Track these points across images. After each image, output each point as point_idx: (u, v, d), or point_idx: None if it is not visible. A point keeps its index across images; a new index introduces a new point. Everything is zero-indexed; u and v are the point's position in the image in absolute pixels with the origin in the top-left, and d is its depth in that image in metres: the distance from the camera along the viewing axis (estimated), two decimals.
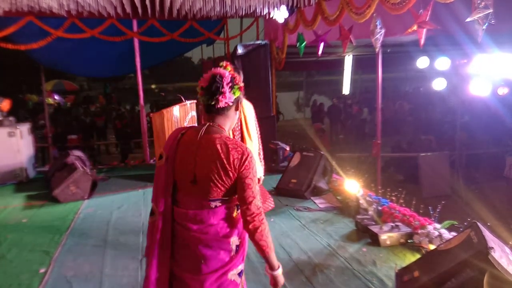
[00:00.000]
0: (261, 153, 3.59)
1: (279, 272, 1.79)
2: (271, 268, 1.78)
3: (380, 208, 4.35)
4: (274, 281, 1.80)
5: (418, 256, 3.42)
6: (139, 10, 6.10)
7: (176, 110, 5.74)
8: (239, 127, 3.53)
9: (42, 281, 3.31)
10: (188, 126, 1.91)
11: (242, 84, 1.81)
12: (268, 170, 6.87)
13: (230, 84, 1.74)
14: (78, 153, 6.55)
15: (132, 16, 6.32)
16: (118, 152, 11.42)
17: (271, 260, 1.77)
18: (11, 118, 6.84)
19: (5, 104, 6.95)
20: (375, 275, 3.24)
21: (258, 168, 3.40)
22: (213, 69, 1.79)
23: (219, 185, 1.71)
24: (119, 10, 5.99)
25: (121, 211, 5.05)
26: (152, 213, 1.85)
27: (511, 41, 6.34)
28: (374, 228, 3.90)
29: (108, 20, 6.24)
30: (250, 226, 1.73)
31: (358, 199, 4.42)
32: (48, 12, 5.78)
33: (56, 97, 17.36)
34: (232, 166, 1.70)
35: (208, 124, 1.77)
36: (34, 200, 5.66)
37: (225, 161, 1.69)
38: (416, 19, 3.90)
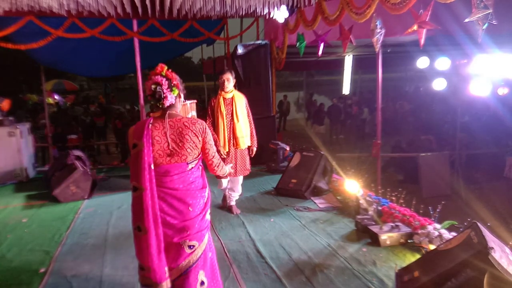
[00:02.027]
0: (253, 129, 4.67)
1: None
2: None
3: (380, 208, 4.35)
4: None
5: (418, 256, 3.42)
6: (139, 10, 6.09)
7: None
8: (231, 112, 4.48)
9: (42, 281, 3.31)
10: (149, 118, 2.41)
11: (177, 82, 2.42)
12: (268, 170, 6.91)
13: (169, 88, 2.37)
14: (78, 153, 6.55)
15: (132, 16, 6.31)
16: (118, 152, 11.42)
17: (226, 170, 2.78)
18: (11, 118, 6.84)
19: (5, 104, 6.95)
20: (375, 275, 3.25)
21: (248, 140, 4.58)
22: (152, 77, 2.37)
23: (194, 149, 2.41)
24: (119, 10, 5.98)
25: (121, 211, 5.05)
26: (135, 189, 2.33)
27: (511, 41, 6.34)
28: (374, 228, 3.90)
29: (108, 20, 6.23)
30: (216, 173, 2.70)
31: (358, 199, 4.42)
32: (48, 12, 5.76)
33: (56, 97, 17.33)
34: (200, 133, 2.42)
35: (167, 112, 2.39)
36: (34, 200, 5.66)
37: (194, 132, 2.39)
38: (416, 19, 3.90)
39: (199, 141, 2.42)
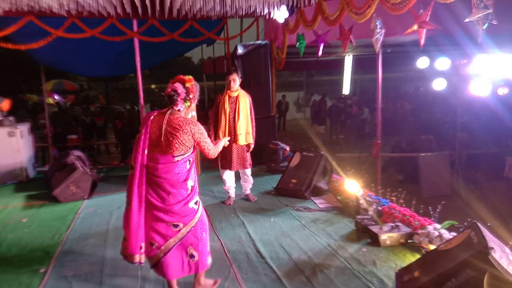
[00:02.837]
0: (254, 127, 5.01)
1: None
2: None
3: (380, 208, 4.35)
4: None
5: (418, 256, 3.42)
6: (139, 10, 6.09)
7: None
8: (234, 110, 4.83)
9: (42, 281, 3.31)
10: (155, 111, 2.82)
11: (193, 96, 2.81)
12: (268, 170, 6.91)
13: (183, 99, 2.77)
14: (78, 153, 6.55)
15: (132, 16, 6.30)
16: (118, 152, 11.42)
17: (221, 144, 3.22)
18: (11, 118, 6.84)
19: (5, 104, 6.94)
20: (375, 275, 3.25)
21: (249, 137, 4.94)
22: (176, 83, 2.77)
23: (181, 146, 2.72)
24: (119, 10, 5.98)
25: (121, 211, 4.96)
26: (131, 167, 2.74)
27: (511, 41, 6.35)
28: (374, 228, 3.90)
29: (108, 20, 6.23)
30: (214, 157, 3.10)
31: (358, 199, 4.42)
32: (48, 12, 5.76)
33: (56, 97, 17.35)
34: (190, 133, 2.74)
35: (170, 110, 2.77)
36: (34, 200, 5.66)
37: (185, 131, 2.72)
38: (416, 19, 3.90)
39: (189, 139, 2.74)
